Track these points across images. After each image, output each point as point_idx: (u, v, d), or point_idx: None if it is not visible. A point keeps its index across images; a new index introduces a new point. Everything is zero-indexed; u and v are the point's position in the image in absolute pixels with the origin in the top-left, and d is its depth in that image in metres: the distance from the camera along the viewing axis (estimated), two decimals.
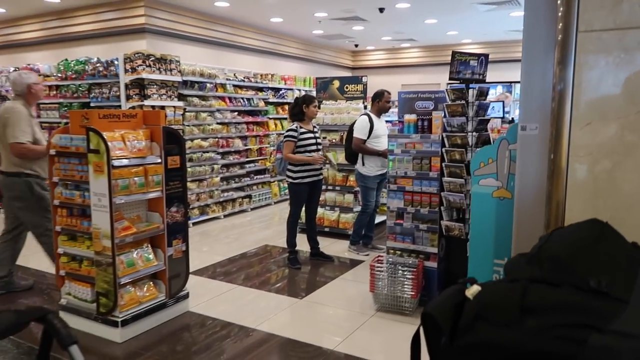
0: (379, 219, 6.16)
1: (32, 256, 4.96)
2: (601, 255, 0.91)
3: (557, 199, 1.89)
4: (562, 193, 1.88)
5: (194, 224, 6.87)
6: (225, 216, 7.50)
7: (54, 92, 7.32)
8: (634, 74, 1.77)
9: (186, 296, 3.93)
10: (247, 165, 8.12)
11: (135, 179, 3.43)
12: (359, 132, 5.21)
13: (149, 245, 3.67)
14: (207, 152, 7.20)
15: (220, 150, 7.45)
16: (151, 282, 3.70)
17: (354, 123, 5.38)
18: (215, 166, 7.33)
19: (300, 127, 4.92)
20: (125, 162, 3.38)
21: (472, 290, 0.93)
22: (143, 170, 3.49)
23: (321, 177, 5.17)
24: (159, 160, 3.60)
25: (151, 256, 3.64)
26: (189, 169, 6.74)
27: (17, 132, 3.97)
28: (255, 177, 8.23)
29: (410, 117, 4.12)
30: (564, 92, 1.86)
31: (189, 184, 6.81)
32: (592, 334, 0.75)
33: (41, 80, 5.57)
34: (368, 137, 5.19)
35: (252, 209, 8.03)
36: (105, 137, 3.24)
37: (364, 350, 3.30)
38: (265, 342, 3.45)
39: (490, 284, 0.96)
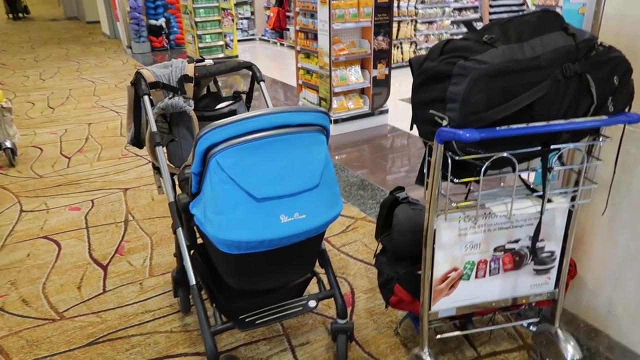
0: None
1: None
2: (511, 27, 1.38)
3: None
4: None
5: None
6: None
7: None
8: None
9: (386, 111, 4.90)
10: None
11: (350, 9, 4.31)
12: None
13: (359, 67, 4.66)
14: None
15: None
16: (358, 96, 4.76)
17: None
18: (447, 9, 7.62)
19: None
20: None
21: None
22: (356, 2, 4.33)
23: None
24: None
25: (359, 75, 4.64)
26: (419, 11, 7.27)
27: None
28: None
29: None
30: None
31: (418, 26, 7.41)
32: (459, 60, 1.32)
33: None
34: None
35: None
36: None
37: None
38: None
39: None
